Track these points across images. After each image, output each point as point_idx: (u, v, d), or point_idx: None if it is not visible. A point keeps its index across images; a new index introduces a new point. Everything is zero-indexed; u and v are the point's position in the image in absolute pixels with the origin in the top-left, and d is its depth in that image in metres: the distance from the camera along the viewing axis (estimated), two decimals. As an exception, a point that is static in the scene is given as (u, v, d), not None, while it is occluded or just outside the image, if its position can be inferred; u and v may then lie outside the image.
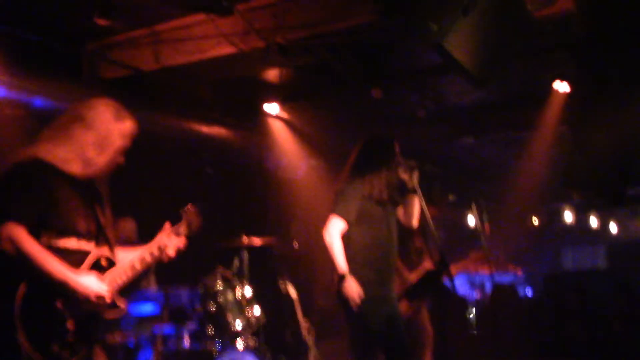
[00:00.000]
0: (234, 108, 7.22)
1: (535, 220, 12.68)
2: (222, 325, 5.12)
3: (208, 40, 5.43)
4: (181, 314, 5.24)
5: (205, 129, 6.86)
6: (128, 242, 4.61)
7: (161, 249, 3.08)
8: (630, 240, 12.77)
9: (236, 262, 5.53)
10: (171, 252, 3.10)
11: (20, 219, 2.68)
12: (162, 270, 5.17)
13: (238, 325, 5.13)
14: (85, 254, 2.89)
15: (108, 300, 2.84)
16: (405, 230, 4.56)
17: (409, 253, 5.48)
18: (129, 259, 3.03)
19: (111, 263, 2.98)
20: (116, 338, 4.79)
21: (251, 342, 5.18)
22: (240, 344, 5.08)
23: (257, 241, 5.62)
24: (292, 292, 6.05)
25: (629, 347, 7.03)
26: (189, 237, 3.22)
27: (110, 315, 2.92)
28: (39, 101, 5.50)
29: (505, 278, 12.25)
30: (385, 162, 4.33)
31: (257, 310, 5.30)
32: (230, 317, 5.13)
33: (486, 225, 4.91)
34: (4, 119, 5.43)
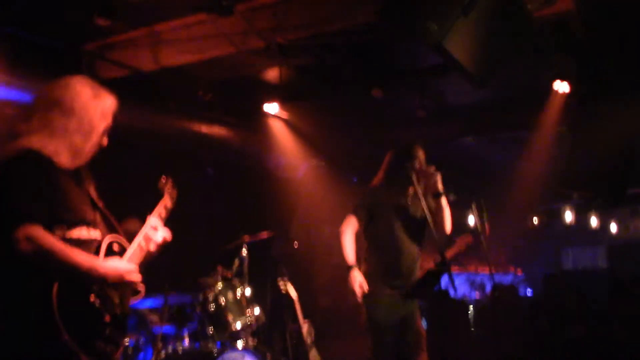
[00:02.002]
0: (234, 108, 7.21)
1: (535, 220, 12.68)
2: (222, 325, 5.12)
3: (208, 40, 5.43)
4: (181, 314, 5.24)
5: (205, 129, 6.86)
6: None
7: (149, 238, 3.00)
8: (630, 240, 12.76)
9: (236, 262, 5.53)
10: (159, 239, 3.02)
11: (36, 219, 2.49)
12: (162, 270, 5.17)
13: (238, 325, 5.13)
14: (97, 241, 2.75)
15: (139, 277, 2.74)
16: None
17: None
18: (135, 241, 2.92)
19: (122, 247, 2.86)
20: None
21: (251, 342, 5.18)
22: (240, 344, 5.08)
23: (258, 236, 5.64)
24: (292, 292, 6.05)
25: (628, 346, 7.02)
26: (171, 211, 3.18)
27: (133, 300, 2.84)
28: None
29: (505, 278, 12.26)
30: (400, 170, 4.64)
31: (257, 310, 5.31)
32: (230, 317, 5.13)
33: (486, 225, 4.92)
34: (4, 119, 5.43)
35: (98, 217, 2.83)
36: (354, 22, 4.98)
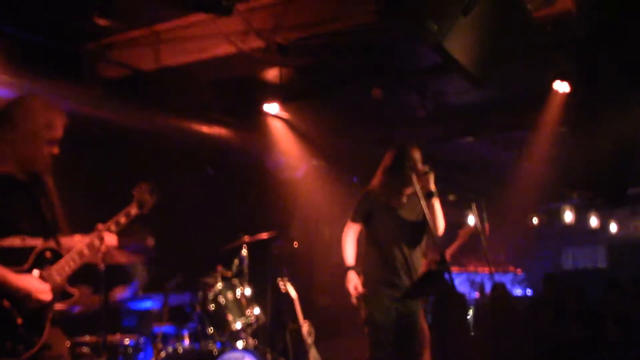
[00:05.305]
0: (234, 108, 7.21)
1: (535, 220, 12.67)
2: (222, 325, 5.12)
3: (208, 40, 5.43)
4: (181, 313, 5.25)
5: (205, 129, 6.85)
6: (143, 252, 4.65)
7: (94, 246, 3.12)
8: (630, 240, 12.76)
9: (236, 262, 5.53)
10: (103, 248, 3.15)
11: None
12: (163, 269, 5.17)
13: (238, 325, 5.14)
14: (31, 250, 2.95)
15: (48, 298, 2.91)
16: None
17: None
18: (76, 248, 3.09)
19: (56, 255, 3.03)
20: (116, 337, 4.80)
21: (251, 342, 5.19)
22: (240, 344, 5.08)
23: (258, 236, 5.65)
24: (292, 292, 6.05)
25: (627, 347, 7.03)
26: (141, 216, 3.30)
27: (65, 304, 3.02)
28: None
29: (505, 278, 12.27)
30: (397, 169, 4.66)
31: (257, 310, 5.31)
32: (230, 317, 5.13)
33: (486, 225, 4.92)
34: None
35: (42, 226, 3.00)
36: (354, 22, 4.97)
